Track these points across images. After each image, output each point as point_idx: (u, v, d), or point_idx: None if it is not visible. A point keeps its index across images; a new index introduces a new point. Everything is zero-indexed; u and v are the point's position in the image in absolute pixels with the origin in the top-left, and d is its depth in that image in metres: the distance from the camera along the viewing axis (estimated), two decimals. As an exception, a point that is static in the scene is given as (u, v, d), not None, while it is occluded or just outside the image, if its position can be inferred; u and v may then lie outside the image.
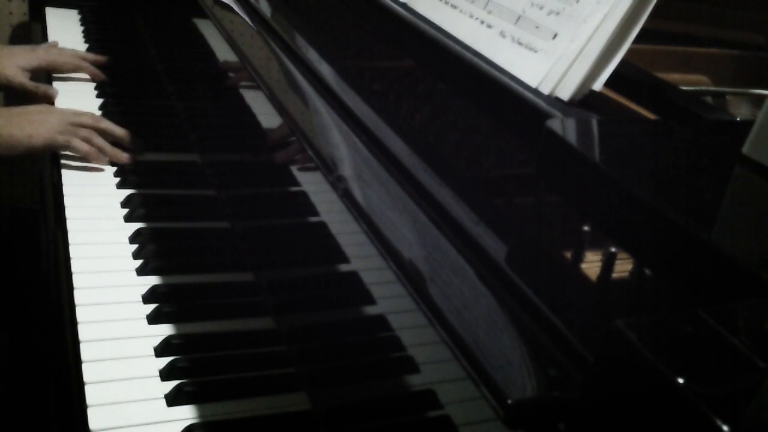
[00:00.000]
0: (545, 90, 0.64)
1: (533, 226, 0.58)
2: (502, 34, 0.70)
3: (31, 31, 1.68)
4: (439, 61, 0.74)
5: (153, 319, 0.85)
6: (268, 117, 0.91)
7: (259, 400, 0.77)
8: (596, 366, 0.39)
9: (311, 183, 0.79)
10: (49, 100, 1.30)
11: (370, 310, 0.66)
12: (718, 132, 0.62)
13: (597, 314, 0.47)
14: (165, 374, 0.78)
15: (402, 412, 0.64)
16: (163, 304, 0.87)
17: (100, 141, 1.13)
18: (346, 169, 0.67)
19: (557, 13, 0.66)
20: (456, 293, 0.52)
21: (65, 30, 1.60)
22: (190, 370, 0.78)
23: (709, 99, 0.83)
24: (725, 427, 0.31)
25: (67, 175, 1.10)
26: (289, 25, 0.93)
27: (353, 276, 0.69)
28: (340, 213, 0.65)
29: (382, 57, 0.88)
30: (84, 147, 1.10)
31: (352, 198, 0.63)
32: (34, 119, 1.11)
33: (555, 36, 0.65)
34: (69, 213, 1.01)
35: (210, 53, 1.17)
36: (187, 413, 0.74)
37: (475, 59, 0.70)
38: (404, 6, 0.83)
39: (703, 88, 0.91)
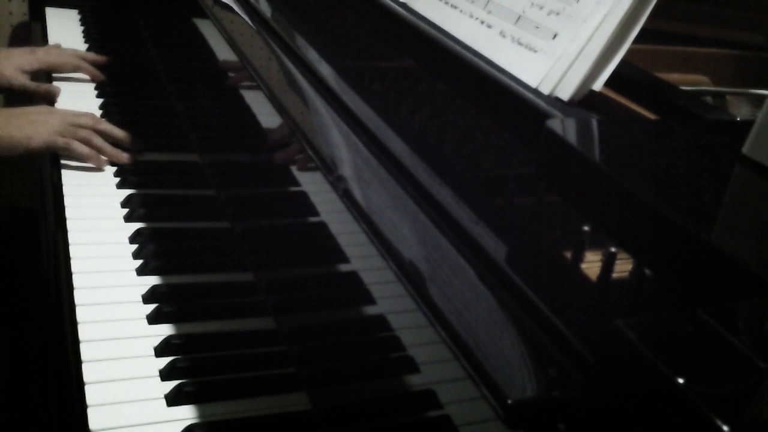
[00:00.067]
0: (545, 90, 0.64)
1: (533, 226, 0.58)
2: (502, 34, 0.70)
3: (31, 31, 1.68)
4: (439, 61, 0.74)
5: (153, 319, 0.85)
6: (268, 117, 0.91)
7: (259, 400, 0.77)
8: (596, 366, 0.39)
9: (311, 183, 0.79)
10: (51, 99, 1.30)
11: (370, 310, 0.66)
12: (718, 132, 0.62)
13: (597, 314, 0.47)
14: (165, 374, 0.78)
15: (402, 412, 0.64)
16: (163, 304, 0.87)
17: (99, 141, 1.13)
18: (346, 169, 0.67)
19: (557, 13, 0.66)
20: (456, 293, 0.52)
21: (65, 30, 1.60)
22: (190, 370, 0.78)
23: (709, 99, 0.83)
24: (725, 427, 0.31)
25: (67, 175, 1.10)
26: (289, 25, 0.93)
27: (353, 276, 0.69)
28: (340, 213, 0.65)
29: (382, 57, 0.88)
30: (83, 150, 1.10)
31: (352, 198, 0.63)
32: (33, 120, 1.11)
33: (555, 36, 0.65)
34: (69, 213, 1.01)
35: (210, 53, 1.17)
36: (187, 413, 0.74)
37: (475, 59, 0.70)
38: (404, 6, 0.83)
39: (703, 88, 0.91)
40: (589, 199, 0.52)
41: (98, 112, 1.28)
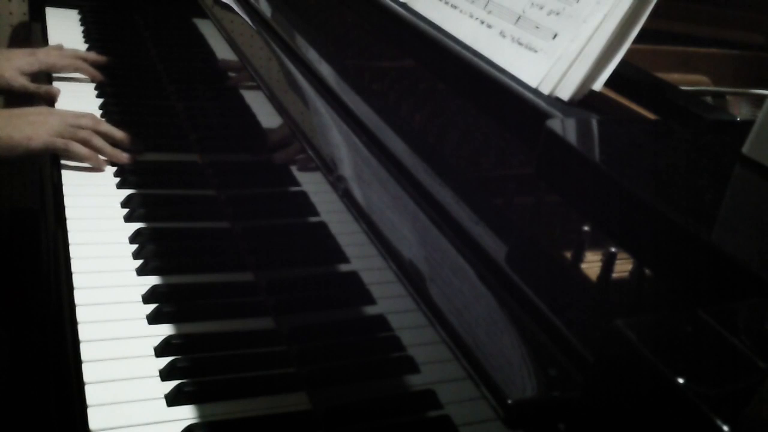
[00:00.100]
0: (545, 90, 0.64)
1: (533, 226, 0.58)
2: (502, 34, 0.70)
3: (31, 31, 1.68)
4: (439, 61, 0.74)
5: (153, 319, 0.85)
6: (268, 117, 0.91)
7: (259, 400, 0.77)
8: (596, 366, 0.39)
9: (311, 183, 0.79)
10: (51, 99, 1.30)
11: (370, 310, 0.66)
12: (718, 132, 0.62)
13: (597, 314, 0.47)
14: (165, 374, 0.78)
15: (402, 412, 0.64)
16: (163, 304, 0.87)
17: (99, 142, 1.13)
18: (346, 169, 0.67)
19: (557, 13, 0.66)
20: (456, 293, 0.52)
21: (65, 30, 1.60)
22: (190, 370, 0.78)
23: (709, 99, 0.83)
24: (725, 427, 0.31)
25: (67, 175, 1.10)
26: (289, 25, 0.93)
27: (353, 276, 0.69)
28: (340, 213, 0.65)
29: (382, 57, 0.88)
30: (83, 151, 1.10)
31: (352, 198, 0.63)
32: (33, 121, 1.11)
33: (555, 36, 0.65)
34: (69, 213, 1.01)
35: (210, 53, 1.17)
36: (187, 413, 0.74)
37: (475, 59, 0.70)
38: (404, 6, 0.83)
39: (703, 88, 0.91)
40: (589, 199, 0.52)
41: (98, 112, 1.28)
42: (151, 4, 1.62)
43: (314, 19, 1.00)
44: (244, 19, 0.99)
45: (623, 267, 0.48)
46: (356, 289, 0.67)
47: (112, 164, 1.14)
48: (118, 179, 1.11)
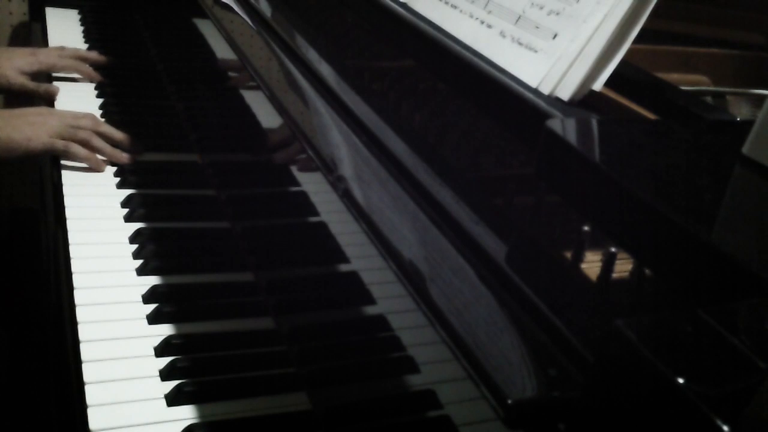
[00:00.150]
0: (545, 90, 0.64)
1: (533, 226, 0.58)
2: (502, 34, 0.70)
3: (31, 31, 1.68)
4: (439, 61, 0.74)
5: (153, 319, 0.85)
6: (268, 117, 0.91)
7: (259, 400, 0.77)
8: (596, 366, 0.39)
9: (311, 183, 0.79)
10: (51, 98, 1.30)
11: (370, 310, 0.66)
12: (718, 132, 0.62)
13: (597, 314, 0.47)
14: (165, 374, 0.78)
15: (402, 412, 0.64)
16: (163, 304, 0.87)
17: (99, 142, 1.13)
18: (346, 169, 0.67)
19: (557, 13, 0.66)
20: (456, 293, 0.52)
21: (65, 30, 1.60)
22: (190, 370, 0.78)
23: (709, 99, 0.83)
24: (725, 427, 0.31)
25: (67, 175, 1.10)
26: (289, 25, 0.93)
27: (353, 276, 0.69)
28: (340, 213, 0.65)
29: (382, 57, 0.88)
30: (83, 152, 1.10)
31: (352, 198, 0.63)
32: (33, 122, 1.11)
33: (555, 36, 0.65)
34: (69, 213, 1.01)
35: (210, 53, 1.17)
36: (187, 413, 0.74)
37: (475, 59, 0.70)
38: (404, 6, 0.83)
39: (703, 88, 0.91)
40: (589, 199, 0.52)
41: (98, 113, 1.28)
42: (151, 4, 1.62)
43: (314, 19, 1.00)
44: (244, 19, 0.99)
45: (623, 267, 0.48)
46: (356, 289, 0.67)
47: (112, 164, 1.14)
48: (118, 179, 1.11)
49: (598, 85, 0.63)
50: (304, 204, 0.79)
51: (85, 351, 0.79)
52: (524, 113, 0.63)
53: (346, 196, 0.63)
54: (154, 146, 1.20)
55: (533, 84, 0.65)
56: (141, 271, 0.93)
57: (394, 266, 0.56)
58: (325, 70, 0.80)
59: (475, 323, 0.49)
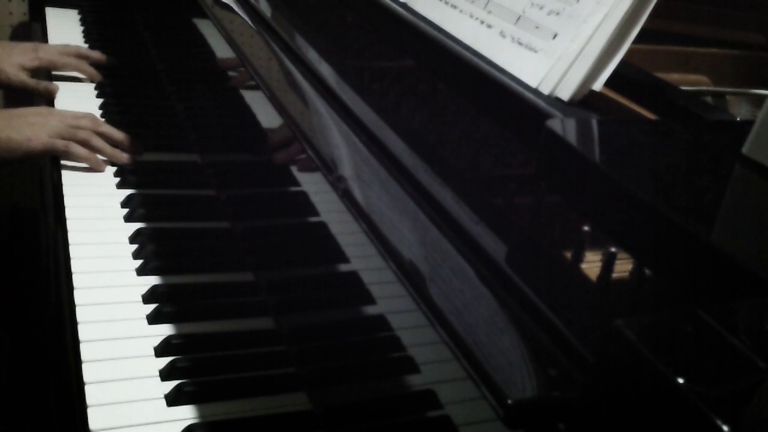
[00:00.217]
0: (545, 90, 0.64)
1: (533, 226, 0.58)
2: (502, 34, 0.70)
3: (31, 31, 1.68)
4: (439, 61, 0.74)
5: (153, 319, 0.85)
6: (268, 117, 0.91)
7: (259, 400, 0.77)
8: (596, 366, 0.39)
9: (311, 183, 0.79)
10: (50, 96, 1.30)
11: (370, 310, 0.66)
12: (718, 132, 0.62)
13: (597, 314, 0.47)
14: (165, 374, 0.78)
15: (402, 412, 0.64)
16: (163, 304, 0.87)
17: (99, 142, 1.13)
18: (346, 169, 0.67)
19: (557, 13, 0.66)
20: (456, 293, 0.52)
21: (65, 30, 1.60)
22: (190, 370, 0.78)
23: (709, 99, 0.83)
24: (725, 427, 0.31)
25: (67, 175, 1.10)
26: (289, 25, 0.93)
27: (353, 276, 0.69)
28: (340, 213, 0.65)
29: (382, 57, 0.88)
30: (83, 152, 1.10)
31: (352, 198, 0.63)
32: (33, 122, 1.11)
33: (555, 36, 0.65)
34: (69, 213, 1.01)
35: (210, 53, 1.17)
36: (187, 413, 0.74)
37: (475, 59, 0.70)
38: (404, 6, 0.83)
39: (703, 88, 0.91)
40: (589, 199, 0.52)
41: (98, 112, 1.28)
42: (151, 4, 1.62)
43: (314, 19, 1.00)
44: (244, 19, 0.99)
45: (623, 267, 0.48)
46: (356, 289, 0.67)
47: (112, 164, 1.14)
48: (118, 179, 1.11)
49: (598, 85, 0.63)
50: (304, 204, 0.79)
51: (85, 351, 0.79)
52: (524, 113, 0.63)
53: (346, 196, 0.63)
54: (154, 146, 1.20)
55: (533, 84, 0.65)
56: (141, 271, 0.93)
57: (394, 266, 0.56)
58: (325, 70, 0.80)
59: (475, 323, 0.49)
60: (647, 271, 0.48)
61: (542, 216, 0.60)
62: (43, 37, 1.57)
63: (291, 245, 0.87)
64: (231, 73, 1.10)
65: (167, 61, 1.47)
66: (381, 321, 0.64)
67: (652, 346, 0.35)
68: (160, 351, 0.81)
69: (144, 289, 0.89)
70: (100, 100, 1.33)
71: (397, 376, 0.62)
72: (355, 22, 0.96)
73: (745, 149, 0.53)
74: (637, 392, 0.35)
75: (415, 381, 0.60)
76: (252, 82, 0.93)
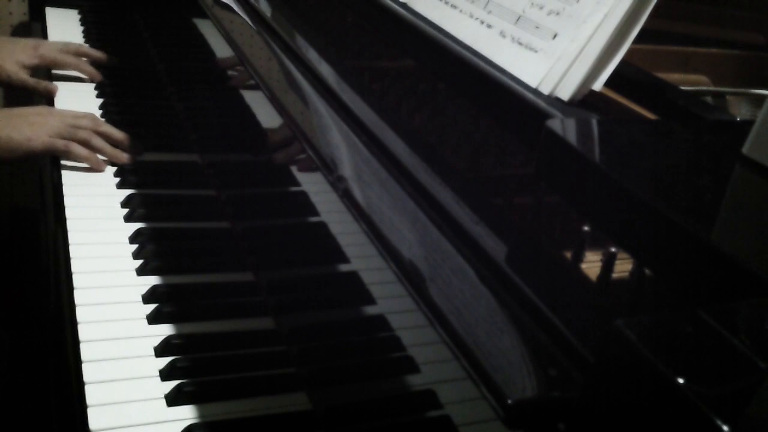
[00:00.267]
0: (545, 90, 0.64)
1: (533, 226, 0.58)
2: (502, 34, 0.70)
3: (31, 31, 1.68)
4: (439, 61, 0.74)
5: (153, 319, 0.85)
6: (268, 117, 0.91)
7: (259, 400, 0.77)
8: (596, 366, 0.39)
9: (311, 183, 0.79)
10: (49, 96, 1.30)
11: (370, 310, 0.66)
12: (718, 132, 0.62)
13: (597, 314, 0.47)
14: (165, 374, 0.78)
15: (402, 412, 0.64)
16: (163, 304, 0.87)
17: (99, 142, 1.12)
18: (346, 169, 0.67)
19: (557, 13, 0.66)
20: (456, 293, 0.52)
21: (65, 30, 1.60)
22: (190, 370, 0.78)
23: (709, 99, 0.83)
24: (725, 427, 0.31)
25: (67, 175, 1.10)
26: (289, 25, 0.93)
27: (353, 276, 0.69)
28: (340, 213, 0.65)
29: (382, 57, 0.88)
30: (83, 152, 1.10)
31: (352, 198, 0.63)
32: (33, 122, 1.11)
33: (555, 36, 0.65)
34: (69, 213, 1.01)
35: (210, 53, 1.17)
36: (187, 413, 0.74)
37: (475, 59, 0.70)
38: (404, 6, 0.83)
39: (703, 88, 0.91)
40: (589, 199, 0.52)
41: (98, 112, 1.28)
42: (151, 4, 1.62)
43: (314, 19, 1.00)
44: (244, 19, 0.99)
45: (623, 267, 0.48)
46: (356, 289, 0.67)
47: (112, 164, 1.14)
48: (118, 179, 1.11)
49: (598, 85, 0.63)
50: (304, 204, 0.79)
51: (85, 351, 0.79)
52: (524, 113, 0.63)
53: (346, 196, 0.64)
54: (154, 146, 1.20)
55: (533, 84, 0.65)
56: (141, 271, 0.93)
57: (394, 266, 0.56)
58: (325, 70, 0.80)
59: (475, 323, 0.49)
60: (647, 271, 0.48)
61: (542, 216, 0.60)
62: (43, 37, 1.57)
63: (291, 245, 0.87)
64: (231, 73, 1.10)
65: (167, 61, 1.47)
66: (381, 321, 0.64)
67: (652, 346, 0.35)
68: (160, 351, 0.81)
69: (144, 289, 0.89)
70: (100, 100, 1.33)
71: (397, 376, 0.62)
72: (355, 22, 0.96)
73: (745, 149, 0.53)
74: (637, 392, 0.35)
75: (415, 381, 0.60)
76: (252, 82, 0.93)
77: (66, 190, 1.06)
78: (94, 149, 1.12)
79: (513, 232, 0.57)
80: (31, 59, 1.34)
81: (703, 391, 0.32)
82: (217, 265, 0.96)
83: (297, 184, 0.82)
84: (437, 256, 0.55)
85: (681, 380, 0.33)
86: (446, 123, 0.72)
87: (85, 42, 1.56)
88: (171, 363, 0.79)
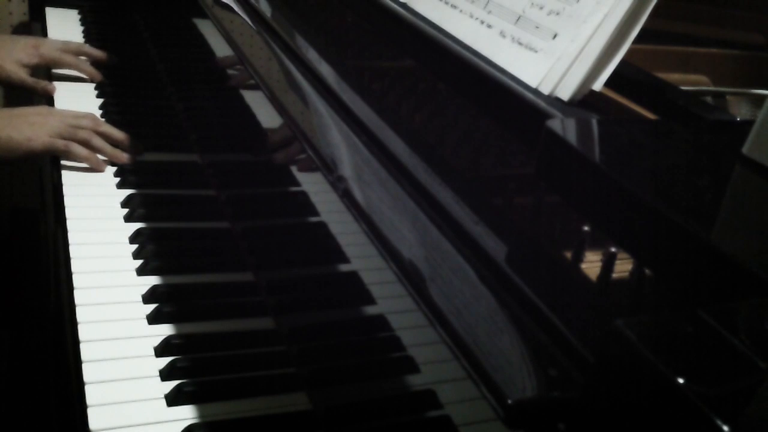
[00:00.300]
0: (545, 90, 0.64)
1: (533, 226, 0.58)
2: (502, 34, 0.70)
3: (31, 31, 1.68)
4: (439, 61, 0.74)
5: (153, 319, 0.85)
6: (268, 117, 0.91)
7: (259, 400, 0.77)
8: (596, 366, 0.39)
9: (311, 183, 0.79)
10: (48, 95, 1.30)
11: (370, 310, 0.66)
12: (718, 132, 0.62)
13: (597, 314, 0.47)
14: (165, 374, 0.78)
15: (402, 412, 0.64)
16: (163, 304, 0.87)
17: (99, 142, 1.13)
18: (346, 169, 0.67)
19: (557, 13, 0.66)
20: (456, 293, 0.52)
21: (65, 30, 1.60)
22: (190, 370, 0.78)
23: (709, 99, 0.83)
24: (725, 427, 0.31)
25: (67, 175, 1.10)
26: (289, 25, 0.93)
27: (353, 276, 0.69)
28: (340, 213, 0.65)
29: (382, 57, 0.88)
30: (83, 152, 1.10)
31: (352, 198, 0.63)
32: (33, 122, 1.11)
33: (555, 36, 0.65)
34: (69, 213, 1.01)
35: (210, 53, 1.17)
36: (187, 413, 0.74)
37: (475, 59, 0.70)
38: (404, 6, 0.83)
39: (703, 88, 0.91)
40: (589, 199, 0.52)
41: (98, 112, 1.28)
42: (151, 4, 1.62)
43: (314, 19, 1.00)
44: (244, 19, 0.99)
45: (623, 267, 0.48)
46: (356, 289, 0.67)
47: (112, 164, 1.14)
48: (118, 179, 1.11)
49: (598, 85, 0.63)
50: (304, 204, 0.79)
51: (85, 351, 0.79)
52: (524, 113, 0.63)
53: (346, 196, 0.64)
54: (154, 146, 1.20)
55: (533, 84, 0.65)
56: (141, 271, 0.93)
57: (394, 266, 0.56)
58: (325, 70, 0.80)
59: (475, 323, 0.49)
60: (647, 271, 0.48)
61: (542, 216, 0.60)
62: (43, 37, 1.57)
63: (291, 245, 0.87)
64: (231, 72, 1.10)
65: (167, 61, 1.47)
66: (381, 321, 0.64)
67: (652, 346, 0.35)
68: (160, 351, 0.81)
69: (144, 289, 0.89)
70: (100, 100, 1.33)
71: (397, 376, 0.62)
72: (355, 22, 0.96)
73: (745, 149, 0.53)
74: (637, 392, 0.35)
75: (415, 381, 0.60)
76: (252, 82, 0.93)
77: (66, 190, 1.06)
78: (94, 149, 1.12)
79: (513, 232, 0.57)
80: (31, 58, 1.34)
81: (703, 391, 0.32)
82: (217, 265, 0.96)
83: (297, 184, 0.82)
84: (437, 256, 0.55)
85: (681, 380, 0.33)
86: (446, 123, 0.72)
87: (85, 42, 1.56)
88: (171, 363, 0.79)
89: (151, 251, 0.95)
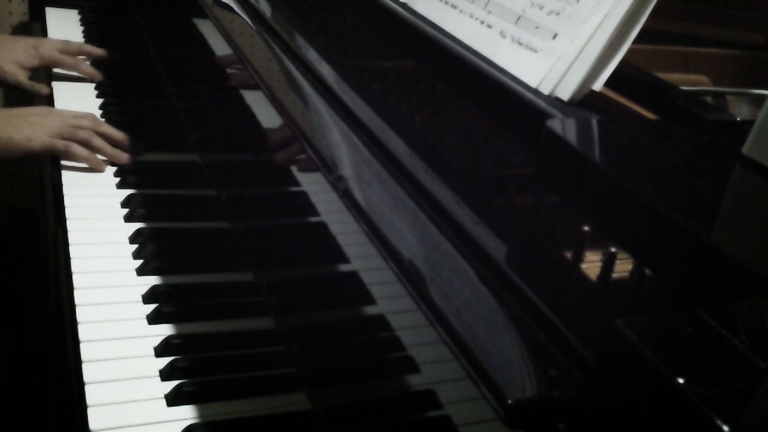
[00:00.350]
0: (545, 90, 0.64)
1: (533, 226, 0.58)
2: (502, 34, 0.70)
3: (31, 31, 1.68)
4: (439, 61, 0.74)
5: (153, 319, 0.85)
6: (268, 117, 0.91)
7: (259, 400, 0.77)
8: (596, 366, 0.39)
9: (311, 183, 0.79)
10: (45, 96, 1.31)
11: (370, 310, 0.66)
12: (718, 132, 0.62)
13: (597, 314, 0.47)
14: (165, 374, 0.78)
15: (402, 412, 0.64)
16: (163, 304, 0.87)
17: (99, 142, 1.13)
18: (346, 169, 0.67)
19: (557, 13, 0.66)
20: (456, 293, 0.52)
21: (65, 30, 1.60)
22: (190, 370, 0.78)
23: (709, 99, 0.83)
24: (725, 427, 0.31)
25: (67, 175, 1.10)
26: (289, 25, 0.93)
27: (353, 276, 0.69)
28: (340, 213, 0.65)
29: (382, 57, 0.88)
30: (83, 152, 1.10)
31: (352, 198, 0.63)
32: (33, 122, 1.11)
33: (555, 36, 0.65)
34: (69, 213, 1.01)
35: (210, 53, 1.17)
36: (187, 413, 0.74)
37: (475, 59, 0.70)
38: (404, 6, 0.83)
39: (703, 88, 0.91)
40: (589, 199, 0.52)
41: (98, 112, 1.28)
42: (151, 4, 1.62)
43: (314, 19, 1.00)
44: (244, 19, 0.99)
45: (623, 267, 0.48)
46: (356, 289, 0.67)
47: (112, 164, 1.14)
48: (118, 179, 1.11)
49: (598, 85, 0.63)
50: (304, 204, 0.79)
51: (85, 351, 0.79)
52: (524, 113, 0.63)
53: (346, 196, 0.64)
54: (154, 146, 1.20)
55: (533, 84, 0.65)
56: (141, 271, 0.93)
57: (394, 266, 0.56)
58: (325, 70, 0.80)
59: (475, 323, 0.49)
60: (647, 271, 0.48)
61: (542, 216, 0.60)
62: (43, 37, 1.57)
63: (291, 245, 0.87)
64: (231, 72, 1.10)
65: (167, 61, 1.47)
66: (381, 321, 0.64)
67: (652, 346, 0.35)
68: (160, 351, 0.81)
69: (144, 289, 0.89)
70: (100, 100, 1.33)
71: (397, 376, 0.62)
72: (355, 22, 0.96)
73: (745, 149, 0.53)
74: (637, 392, 0.35)
75: (415, 381, 0.60)
76: (252, 82, 0.93)
77: (66, 190, 1.06)
78: (94, 149, 1.12)
79: (513, 232, 0.57)
80: (30, 60, 1.34)
81: (703, 391, 0.32)
82: (217, 265, 0.96)
83: (297, 184, 0.82)
84: (437, 256, 0.55)
85: (681, 380, 0.33)
86: (446, 123, 0.72)
87: (85, 42, 1.56)
88: (171, 363, 0.79)
89: (151, 251, 0.95)
